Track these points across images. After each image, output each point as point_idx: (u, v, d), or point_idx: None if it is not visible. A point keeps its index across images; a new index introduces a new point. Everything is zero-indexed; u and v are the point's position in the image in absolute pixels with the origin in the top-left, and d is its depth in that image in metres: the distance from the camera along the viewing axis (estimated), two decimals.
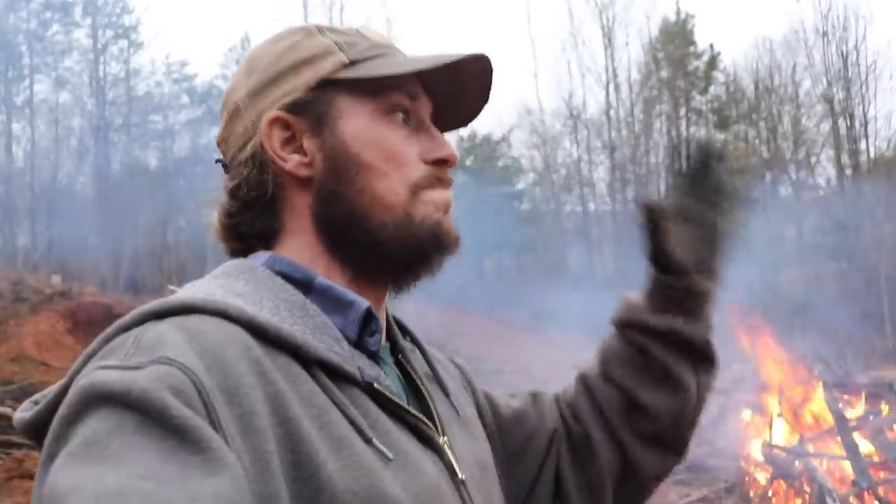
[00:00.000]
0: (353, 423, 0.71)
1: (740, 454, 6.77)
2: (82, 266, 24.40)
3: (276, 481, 0.63)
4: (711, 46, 28.12)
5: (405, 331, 0.93)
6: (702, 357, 1.01)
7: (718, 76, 28.47)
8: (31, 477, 7.06)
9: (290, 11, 29.20)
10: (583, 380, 1.07)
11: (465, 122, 0.97)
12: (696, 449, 7.47)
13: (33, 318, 16.47)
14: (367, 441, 0.71)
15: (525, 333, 22.46)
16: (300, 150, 0.81)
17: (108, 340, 0.68)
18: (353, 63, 0.82)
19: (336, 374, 0.73)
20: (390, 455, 0.71)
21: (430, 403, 0.85)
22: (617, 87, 28.64)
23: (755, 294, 15.54)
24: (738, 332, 8.60)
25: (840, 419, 6.09)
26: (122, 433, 0.57)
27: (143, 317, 0.69)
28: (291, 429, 0.66)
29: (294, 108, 0.81)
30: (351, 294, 0.80)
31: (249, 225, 0.84)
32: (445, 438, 0.82)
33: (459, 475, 0.80)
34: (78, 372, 0.66)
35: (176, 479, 0.54)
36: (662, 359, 0.99)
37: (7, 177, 27.16)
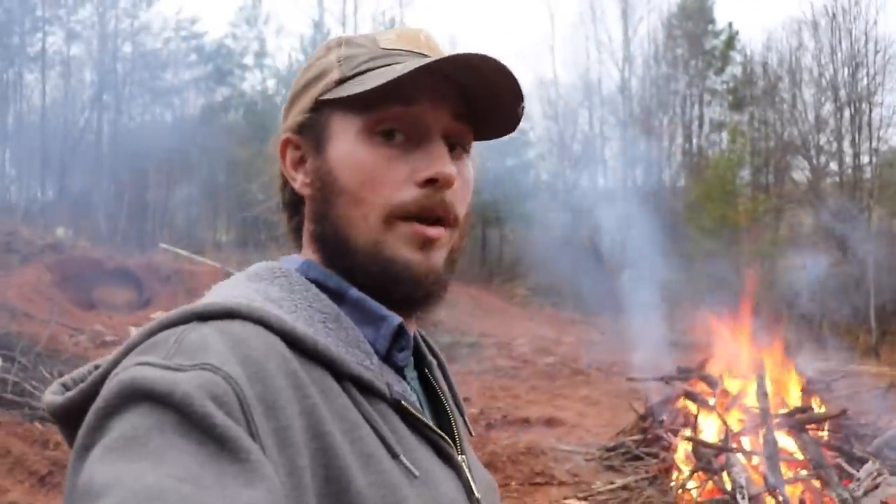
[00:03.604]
0: (382, 438, 0.72)
1: (669, 445, 6.65)
2: (87, 219, 24.63)
3: (307, 496, 0.63)
4: (730, 25, 27.47)
5: (429, 346, 0.94)
6: None
7: (736, 56, 27.85)
8: None
9: None
10: None
11: (507, 128, 0.87)
12: (628, 438, 7.35)
13: (21, 269, 16.68)
14: (395, 457, 0.72)
15: (518, 308, 22.38)
16: (301, 170, 0.85)
17: (150, 335, 0.67)
18: (342, 81, 0.81)
19: (366, 389, 0.74)
20: (416, 472, 0.73)
21: (451, 420, 0.86)
22: (632, 63, 28.14)
23: (755, 280, 15.32)
24: (716, 319, 8.50)
25: (764, 414, 5.94)
26: (161, 432, 0.56)
27: (187, 316, 0.68)
28: (325, 444, 0.66)
29: (300, 129, 0.84)
30: (384, 309, 0.80)
31: (287, 225, 0.90)
32: (463, 457, 0.83)
33: (476, 494, 0.82)
34: (116, 363, 0.66)
35: (213, 486, 0.54)
36: None
37: (19, 128, 27.38)
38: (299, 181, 0.85)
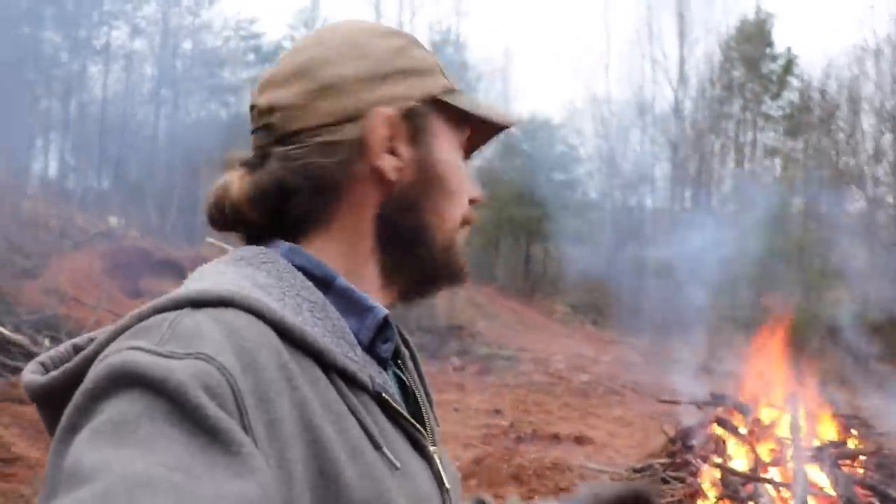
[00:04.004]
0: (366, 430, 0.72)
1: (697, 471, 6.56)
2: (140, 210, 25.18)
3: (298, 489, 0.63)
4: (789, 50, 27.04)
5: (402, 337, 0.95)
6: None
7: (793, 81, 27.38)
8: (21, 402, 7.34)
9: None
10: None
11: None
12: (657, 461, 7.27)
13: (73, 254, 17.14)
14: (378, 449, 0.72)
15: (558, 324, 22.26)
16: (394, 153, 0.82)
17: (141, 319, 0.66)
18: (452, 90, 0.87)
19: (350, 381, 0.74)
20: (398, 464, 0.73)
21: (424, 412, 0.87)
22: (686, 84, 27.85)
23: (795, 310, 15.02)
24: (756, 348, 8.37)
25: (795, 446, 5.84)
26: (152, 420, 0.56)
27: (180, 302, 0.67)
28: (316, 436, 0.66)
29: (405, 113, 0.83)
30: (371, 300, 0.81)
31: (289, 205, 0.81)
32: (435, 448, 0.84)
33: (446, 484, 0.83)
34: (105, 346, 0.65)
35: (204, 476, 0.53)
36: None
37: (80, 118, 28.11)
38: (387, 161, 0.82)
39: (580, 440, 8.81)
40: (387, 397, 0.77)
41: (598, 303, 21.82)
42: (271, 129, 0.82)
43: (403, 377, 0.89)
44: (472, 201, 0.90)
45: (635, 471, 7.23)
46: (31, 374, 0.70)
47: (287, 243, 0.81)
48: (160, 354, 0.60)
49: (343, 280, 0.80)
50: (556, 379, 13.66)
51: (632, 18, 48.53)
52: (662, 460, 7.28)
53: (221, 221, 0.84)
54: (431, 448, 0.83)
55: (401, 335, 0.94)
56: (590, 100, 30.04)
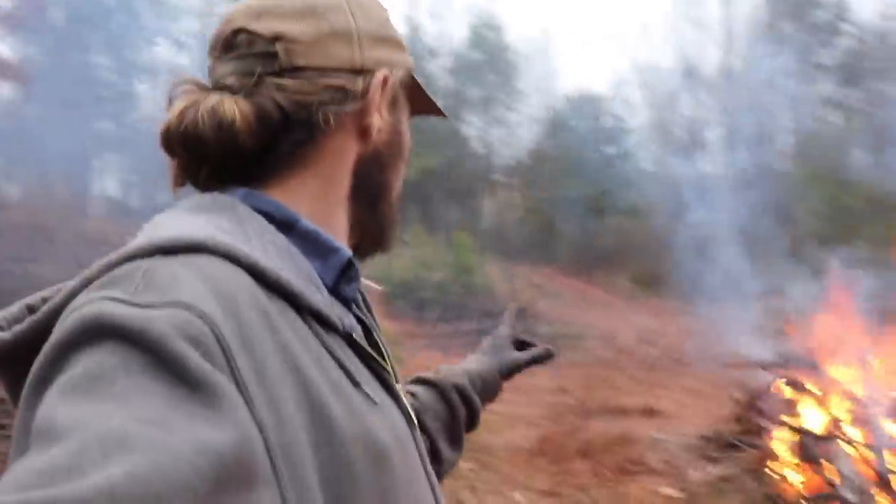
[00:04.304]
0: (343, 368, 0.73)
1: (770, 434, 6.40)
2: None
3: (292, 428, 0.63)
4: None
5: None
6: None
7: (848, 28, 26.38)
8: None
9: None
10: None
11: None
12: (727, 427, 7.12)
13: None
14: (356, 385, 0.73)
15: (621, 299, 21.97)
16: (380, 112, 0.86)
17: (111, 268, 0.64)
18: (412, 70, 0.94)
19: (322, 322, 0.74)
20: (376, 400, 0.75)
21: (384, 352, 0.88)
22: (733, 43, 27.11)
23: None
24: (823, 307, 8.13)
25: (871, 402, 5.65)
26: (128, 372, 0.54)
27: (152, 249, 0.65)
28: (302, 376, 0.66)
29: (395, 80, 0.88)
30: (336, 241, 0.82)
31: (283, 137, 0.80)
32: (399, 385, 0.86)
33: (414, 420, 0.85)
34: (74, 296, 0.63)
35: (183, 430, 0.52)
36: (462, 425, 1.20)
37: (134, 136, 28.84)
38: (376, 121, 0.86)
39: (649, 413, 8.69)
40: (356, 337, 0.78)
41: (660, 275, 21.42)
42: (273, 57, 0.79)
43: (362, 317, 0.90)
44: None
45: (705, 438, 7.10)
46: None
47: (242, 188, 0.80)
48: (137, 304, 0.58)
49: (306, 222, 0.80)
50: (622, 354, 13.49)
51: None
52: (733, 427, 7.14)
53: (196, 147, 0.78)
54: (397, 386, 0.84)
55: None
56: (635, 69, 29.50)
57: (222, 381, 0.57)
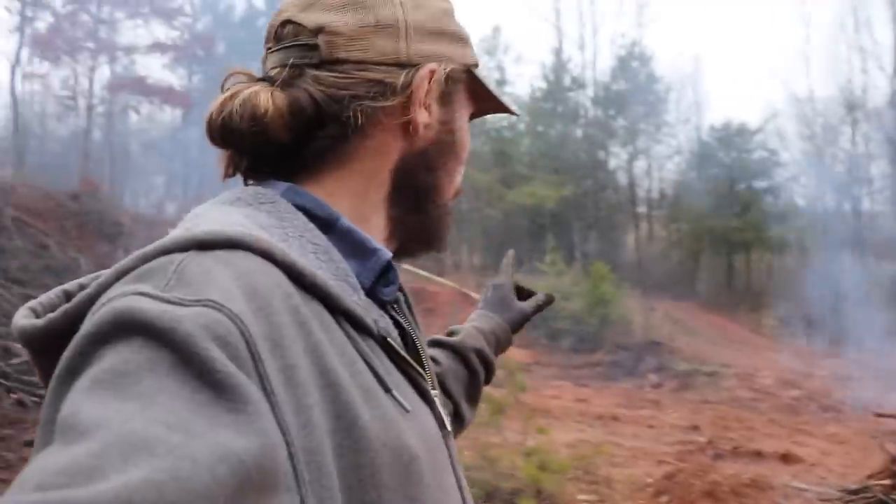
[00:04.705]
0: (375, 373, 0.71)
1: None
2: None
3: (318, 433, 0.62)
4: None
5: None
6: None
7: None
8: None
9: None
10: None
11: None
12: (876, 482, 6.56)
13: None
14: (388, 391, 0.71)
15: (765, 339, 20.87)
16: (428, 109, 0.82)
17: (145, 260, 0.63)
18: (478, 65, 0.91)
19: (356, 324, 0.73)
20: (408, 406, 0.73)
21: (422, 356, 0.86)
22: None
23: None
24: None
25: None
26: (154, 372, 0.53)
27: (186, 243, 0.64)
28: (331, 379, 0.65)
29: (447, 75, 0.83)
30: (375, 242, 0.79)
31: (321, 132, 0.78)
32: (436, 392, 0.84)
33: (448, 427, 0.84)
34: (107, 287, 0.62)
35: (205, 435, 0.50)
36: (481, 385, 1.22)
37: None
38: (423, 117, 0.81)
39: (787, 458, 8.13)
40: (391, 341, 0.75)
41: (810, 315, 20.20)
42: (314, 49, 0.78)
43: (400, 320, 0.86)
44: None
45: (850, 492, 6.56)
46: (23, 318, 0.67)
47: (285, 183, 0.79)
48: (167, 301, 0.57)
49: (346, 221, 0.78)
50: (762, 394, 12.75)
51: (833, 7, 45.01)
52: (883, 482, 6.56)
53: (232, 137, 0.78)
54: (432, 392, 0.82)
55: None
56: (790, 100, 28.20)
57: (248, 384, 0.55)
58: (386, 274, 0.79)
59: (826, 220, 25.95)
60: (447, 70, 0.83)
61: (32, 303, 0.69)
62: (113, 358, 0.54)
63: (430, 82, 0.81)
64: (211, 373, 0.53)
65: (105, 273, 0.64)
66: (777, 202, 27.03)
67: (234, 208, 0.73)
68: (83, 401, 0.52)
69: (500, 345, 1.27)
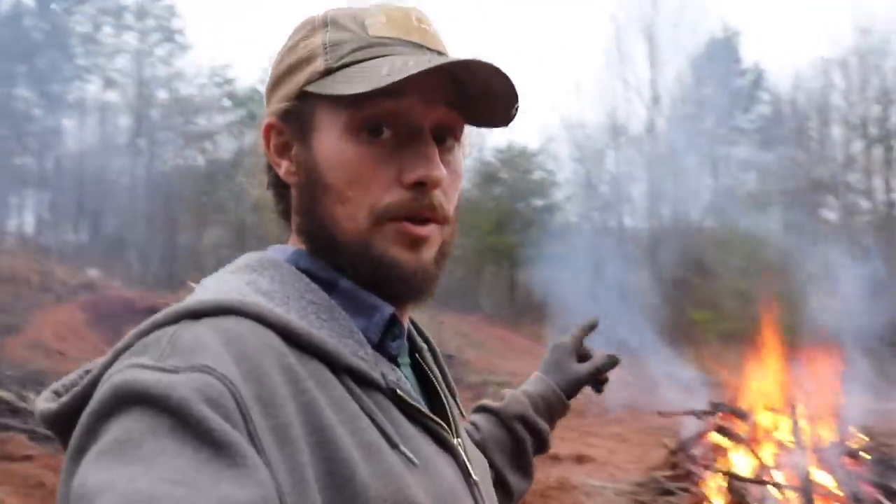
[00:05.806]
0: (380, 428, 0.71)
1: (701, 479, 6.53)
2: (120, 261, 25.01)
3: (311, 492, 0.61)
4: (756, 65, 27.57)
5: (419, 331, 0.93)
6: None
7: (763, 95, 27.86)
8: (10, 459, 7.19)
9: None
10: None
11: (501, 121, 0.83)
12: (659, 473, 7.24)
13: (56, 308, 16.95)
14: (394, 447, 0.70)
15: (544, 348, 22.04)
16: (291, 156, 0.81)
17: (141, 336, 0.66)
18: (328, 72, 0.77)
19: (362, 380, 0.73)
20: (416, 461, 0.72)
21: (446, 405, 0.85)
22: (658, 104, 28.24)
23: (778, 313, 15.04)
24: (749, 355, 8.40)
25: (797, 448, 5.84)
26: (155, 436, 0.55)
27: (179, 315, 0.67)
28: (325, 437, 0.65)
29: (284, 115, 0.80)
30: (376, 299, 0.79)
31: (275, 208, 0.86)
32: (459, 440, 0.83)
33: (473, 476, 0.81)
34: (108, 366, 0.65)
35: (208, 489, 0.52)
36: (529, 453, 1.18)
37: (57, 172, 28.00)
38: (284, 168, 0.82)
39: (581, 459, 8.75)
40: (402, 394, 0.75)
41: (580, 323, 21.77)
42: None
43: (425, 369, 0.88)
44: (415, 184, 0.76)
45: (639, 485, 7.20)
46: (44, 402, 0.70)
47: (291, 247, 0.83)
48: (162, 370, 0.60)
49: (346, 281, 0.79)
50: None
51: (602, 42, 49.19)
52: (665, 473, 7.26)
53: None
54: (455, 441, 0.81)
55: (418, 330, 0.93)
56: (564, 125, 30.37)
57: (243, 441, 0.58)
58: (391, 329, 0.79)
59: (595, 235, 28.16)
60: (281, 110, 0.80)
61: (56, 385, 0.72)
62: (116, 429, 0.56)
63: (266, 138, 0.83)
64: (208, 432, 0.56)
65: (107, 352, 0.67)
66: (553, 219, 28.93)
67: (237, 275, 0.77)
68: (90, 471, 0.54)
69: (552, 410, 1.21)
